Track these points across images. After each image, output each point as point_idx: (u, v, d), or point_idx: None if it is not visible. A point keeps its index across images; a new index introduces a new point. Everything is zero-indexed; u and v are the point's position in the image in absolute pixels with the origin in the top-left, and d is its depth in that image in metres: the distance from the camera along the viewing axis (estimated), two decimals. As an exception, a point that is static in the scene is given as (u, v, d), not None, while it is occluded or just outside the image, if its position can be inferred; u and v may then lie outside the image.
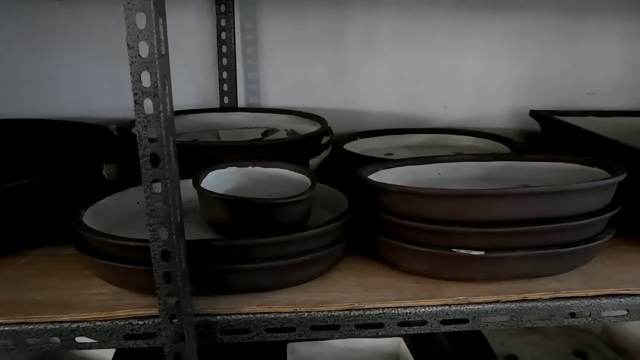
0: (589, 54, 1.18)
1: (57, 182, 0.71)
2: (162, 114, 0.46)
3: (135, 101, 0.47)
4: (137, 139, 0.49)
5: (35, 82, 1.06)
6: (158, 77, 0.45)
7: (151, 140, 0.48)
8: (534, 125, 1.10)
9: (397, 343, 1.09)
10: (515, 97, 1.19)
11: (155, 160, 0.49)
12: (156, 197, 0.51)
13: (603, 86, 1.20)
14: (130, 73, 0.47)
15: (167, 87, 0.47)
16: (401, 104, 1.17)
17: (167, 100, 0.47)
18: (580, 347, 1.17)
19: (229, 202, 0.62)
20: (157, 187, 0.50)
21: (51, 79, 1.06)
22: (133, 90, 0.47)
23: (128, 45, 0.46)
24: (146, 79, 0.47)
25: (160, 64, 0.45)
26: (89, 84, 1.07)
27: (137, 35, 0.45)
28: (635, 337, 1.11)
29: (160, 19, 0.45)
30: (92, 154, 0.81)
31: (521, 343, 1.20)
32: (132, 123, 0.92)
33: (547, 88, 1.19)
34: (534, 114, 1.06)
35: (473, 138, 1.08)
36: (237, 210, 0.61)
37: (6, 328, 0.56)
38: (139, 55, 0.46)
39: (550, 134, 1.04)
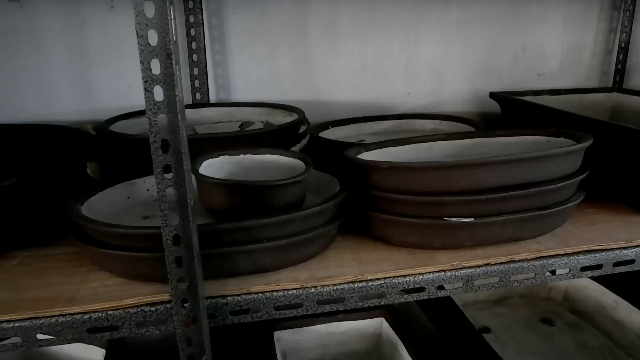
0: (536, 38, 1.26)
1: (46, 181, 0.70)
2: (177, 98, 0.48)
3: (145, 89, 0.49)
4: (149, 125, 0.50)
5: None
6: (173, 63, 0.47)
7: (162, 125, 0.50)
8: (491, 106, 1.17)
9: (378, 323, 1.13)
10: (471, 81, 1.26)
11: (165, 146, 0.51)
12: (167, 183, 0.52)
13: (551, 67, 1.29)
14: (140, 61, 0.48)
15: (180, 73, 0.48)
16: (365, 92, 1.21)
17: (180, 85, 0.49)
18: (545, 314, 1.25)
19: (231, 186, 0.63)
20: (168, 173, 0.52)
21: (9, 82, 1.03)
22: (143, 78, 0.48)
23: (137, 34, 0.47)
24: (156, 67, 0.48)
25: (174, 50, 0.47)
26: (50, 87, 1.04)
27: (147, 24, 0.47)
28: (594, 301, 1.19)
29: (172, 7, 0.46)
30: (75, 154, 0.80)
31: (491, 315, 1.26)
32: (109, 122, 0.91)
33: (500, 71, 1.27)
34: (493, 95, 1.13)
35: (437, 121, 1.14)
36: (239, 194, 0.63)
37: (16, 324, 0.56)
38: (148, 44, 0.47)
39: (510, 113, 1.11)
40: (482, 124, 1.08)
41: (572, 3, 1.25)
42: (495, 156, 0.66)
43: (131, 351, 1.13)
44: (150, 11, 0.47)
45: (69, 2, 1.00)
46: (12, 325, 0.56)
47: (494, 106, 1.16)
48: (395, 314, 1.13)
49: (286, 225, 0.62)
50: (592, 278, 1.17)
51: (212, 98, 1.11)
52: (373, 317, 1.13)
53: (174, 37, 0.47)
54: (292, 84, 1.16)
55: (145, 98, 0.49)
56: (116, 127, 0.89)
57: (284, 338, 1.08)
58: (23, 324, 0.56)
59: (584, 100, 1.17)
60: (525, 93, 1.14)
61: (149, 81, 0.48)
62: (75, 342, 0.58)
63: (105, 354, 0.89)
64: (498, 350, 1.06)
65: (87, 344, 0.93)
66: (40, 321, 0.56)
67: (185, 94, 1.08)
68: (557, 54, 1.28)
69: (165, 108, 0.49)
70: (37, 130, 0.90)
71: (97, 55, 1.05)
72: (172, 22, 0.47)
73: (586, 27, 1.28)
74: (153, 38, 0.47)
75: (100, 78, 1.06)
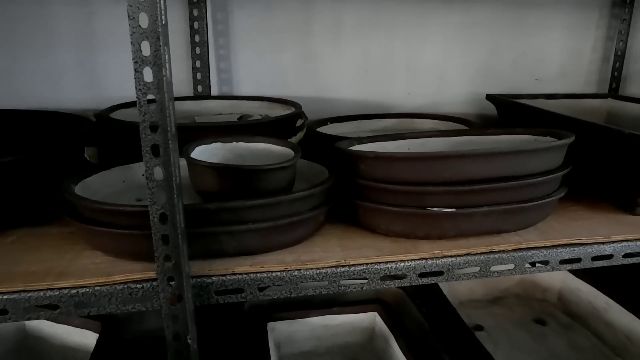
0: (536, 43, 1.27)
1: (41, 161, 0.72)
2: (164, 78, 0.50)
3: (135, 69, 0.51)
4: (137, 105, 0.52)
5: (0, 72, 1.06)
6: (161, 44, 0.49)
7: (151, 105, 0.52)
8: (489, 109, 1.18)
9: (372, 317, 1.14)
10: (471, 83, 1.27)
11: (154, 126, 0.53)
12: (155, 162, 0.54)
13: (550, 73, 1.30)
14: (131, 42, 0.50)
15: (168, 55, 0.50)
16: (367, 91, 1.23)
17: (168, 66, 0.51)
18: (539, 315, 1.25)
19: (220, 169, 0.65)
20: (156, 152, 0.54)
21: (16, 69, 1.06)
22: (133, 59, 0.50)
23: (129, 16, 0.49)
24: (146, 48, 0.50)
25: (162, 32, 0.49)
26: (57, 75, 1.08)
27: (138, 7, 0.49)
28: (587, 303, 1.20)
29: (161, -10, 0.49)
30: (72, 138, 0.83)
31: (485, 314, 1.27)
32: (110, 109, 0.94)
33: (500, 75, 1.28)
34: (490, 97, 1.14)
35: (435, 121, 1.15)
36: (227, 177, 0.65)
37: (5, 297, 0.58)
38: (139, 26, 0.50)
39: (505, 115, 1.13)
40: (479, 124, 1.09)
41: (572, 10, 1.26)
42: (477, 149, 0.67)
43: (126, 340, 1.14)
44: (142, -6, 0.49)
45: (77, -8, 1.03)
46: (1, 297, 0.58)
47: (492, 108, 1.17)
48: (389, 309, 1.15)
49: (271, 209, 0.64)
50: (585, 280, 1.19)
51: (215, 91, 1.14)
52: (367, 312, 1.14)
53: (163, 20, 0.49)
54: (295, 80, 1.19)
55: (135, 79, 0.51)
56: (117, 115, 0.92)
57: (278, 329, 1.10)
58: (11, 296, 0.58)
59: (579, 105, 1.18)
60: (522, 96, 1.15)
61: (139, 62, 0.50)
62: (63, 316, 0.60)
63: (98, 339, 0.91)
64: (490, 347, 1.07)
65: (81, 328, 0.95)
66: (29, 294, 0.58)
67: (186, 86, 1.11)
68: (556, 60, 1.29)
69: (154, 89, 0.51)
70: (39, 115, 0.93)
71: (105, 46, 1.08)
72: (162, 5, 0.49)
73: (585, 34, 1.29)
74: (144, 21, 0.50)
75: (107, 68, 1.09)
